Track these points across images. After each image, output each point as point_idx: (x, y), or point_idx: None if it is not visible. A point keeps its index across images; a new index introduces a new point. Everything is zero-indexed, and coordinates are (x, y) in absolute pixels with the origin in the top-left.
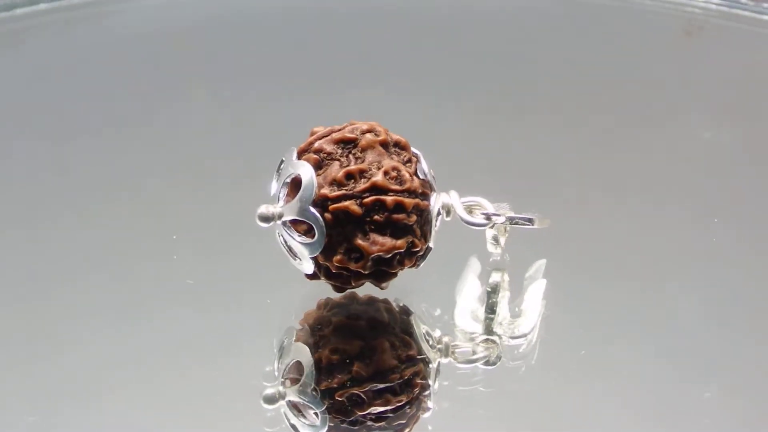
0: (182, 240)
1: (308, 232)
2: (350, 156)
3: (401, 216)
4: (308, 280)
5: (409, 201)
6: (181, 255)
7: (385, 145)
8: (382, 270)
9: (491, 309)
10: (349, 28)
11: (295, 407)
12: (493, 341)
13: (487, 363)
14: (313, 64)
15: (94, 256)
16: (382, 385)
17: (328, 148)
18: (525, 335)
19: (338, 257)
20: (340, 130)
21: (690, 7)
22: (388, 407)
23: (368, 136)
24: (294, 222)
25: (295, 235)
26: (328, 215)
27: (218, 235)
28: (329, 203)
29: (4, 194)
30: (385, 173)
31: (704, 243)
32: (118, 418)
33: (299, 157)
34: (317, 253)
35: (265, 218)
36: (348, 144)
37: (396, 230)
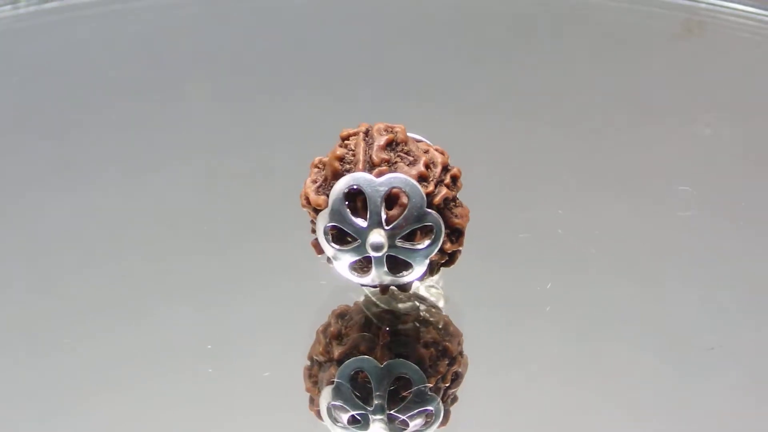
0: (188, 239)
1: (410, 238)
2: (402, 153)
3: (460, 183)
4: (382, 295)
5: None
6: (186, 255)
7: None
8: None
9: None
10: (344, 28)
11: (401, 423)
12: (432, 285)
13: (444, 304)
14: (309, 63)
15: (99, 256)
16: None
17: (386, 155)
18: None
19: (447, 245)
20: (370, 137)
21: (690, 5)
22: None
23: (398, 129)
24: (406, 235)
25: (408, 245)
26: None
27: (224, 235)
28: (431, 198)
29: (7, 193)
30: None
31: (703, 241)
32: (122, 418)
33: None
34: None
35: (380, 246)
36: (392, 144)
37: (458, 198)
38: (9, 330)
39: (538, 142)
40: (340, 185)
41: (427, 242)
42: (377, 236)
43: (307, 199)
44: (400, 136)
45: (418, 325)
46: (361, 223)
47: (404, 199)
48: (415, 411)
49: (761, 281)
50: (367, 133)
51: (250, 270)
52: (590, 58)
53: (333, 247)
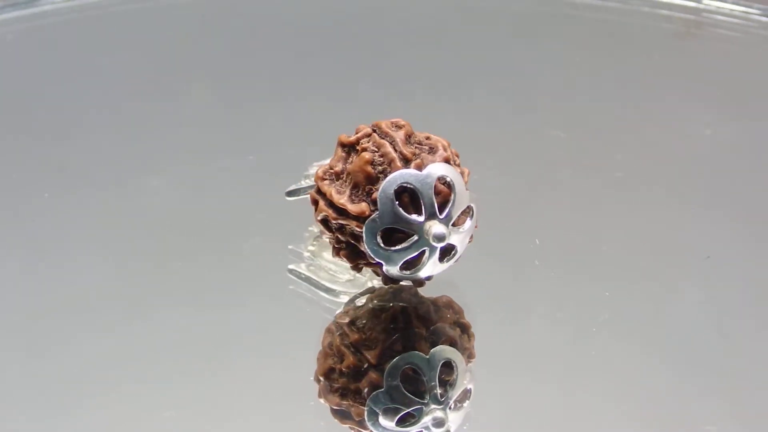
0: (188, 240)
1: (456, 222)
2: (417, 144)
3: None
4: (421, 286)
5: None
6: (186, 255)
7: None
8: None
9: None
10: (344, 28)
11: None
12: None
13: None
14: (308, 63)
15: (99, 256)
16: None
17: (412, 149)
18: None
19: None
20: (386, 135)
21: (690, 5)
22: None
23: (404, 123)
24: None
25: (457, 229)
26: None
27: (223, 236)
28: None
29: (7, 193)
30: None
31: (703, 240)
32: (122, 418)
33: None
34: None
35: (444, 236)
36: (408, 138)
37: None
38: (9, 330)
39: (538, 141)
40: (389, 186)
41: (468, 222)
42: (440, 227)
43: (342, 211)
44: (409, 129)
45: (433, 309)
46: (417, 218)
47: (442, 187)
48: (461, 391)
49: (762, 281)
50: (378, 132)
51: (249, 272)
52: (590, 58)
53: (388, 250)
